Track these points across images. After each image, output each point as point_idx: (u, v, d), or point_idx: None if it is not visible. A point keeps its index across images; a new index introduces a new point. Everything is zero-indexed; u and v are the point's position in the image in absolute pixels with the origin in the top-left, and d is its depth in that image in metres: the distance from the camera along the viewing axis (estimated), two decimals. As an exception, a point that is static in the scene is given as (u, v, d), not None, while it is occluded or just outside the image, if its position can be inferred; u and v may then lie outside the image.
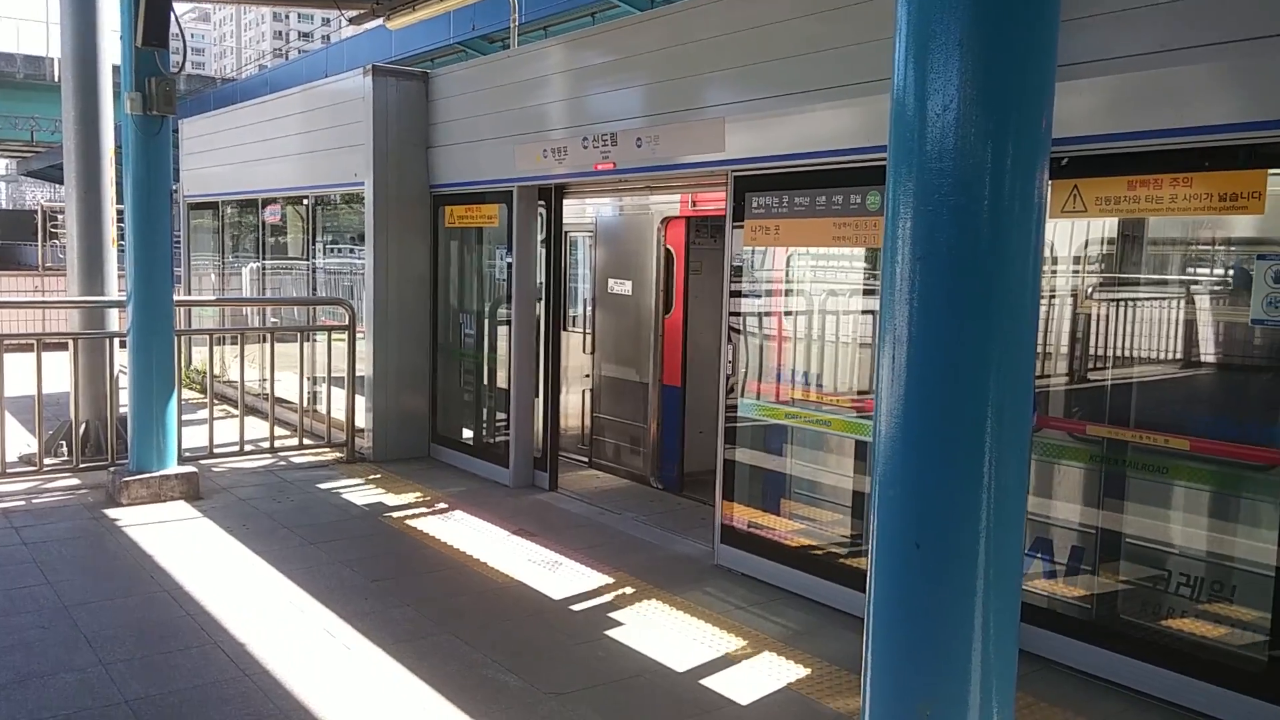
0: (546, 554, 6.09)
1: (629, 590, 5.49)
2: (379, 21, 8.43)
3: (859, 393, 5.51)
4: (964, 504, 2.22)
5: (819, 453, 5.79)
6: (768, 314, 5.92)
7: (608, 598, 5.38)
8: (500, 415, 8.26)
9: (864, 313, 5.57)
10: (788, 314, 5.86)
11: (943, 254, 2.15)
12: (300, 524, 6.65)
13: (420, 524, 6.70)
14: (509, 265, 7.80)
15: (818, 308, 5.75)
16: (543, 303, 7.72)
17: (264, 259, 11.19)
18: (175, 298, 7.97)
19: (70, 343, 8.13)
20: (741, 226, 5.72)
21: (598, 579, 5.65)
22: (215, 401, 8.97)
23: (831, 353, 5.73)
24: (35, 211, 32.22)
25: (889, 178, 2.27)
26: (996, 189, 2.14)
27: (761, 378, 5.90)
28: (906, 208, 2.20)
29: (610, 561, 5.94)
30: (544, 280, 7.72)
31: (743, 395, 5.86)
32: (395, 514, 6.94)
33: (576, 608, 5.24)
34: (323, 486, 7.69)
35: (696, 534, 6.43)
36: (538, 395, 7.76)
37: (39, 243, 25.90)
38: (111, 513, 6.85)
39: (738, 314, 5.86)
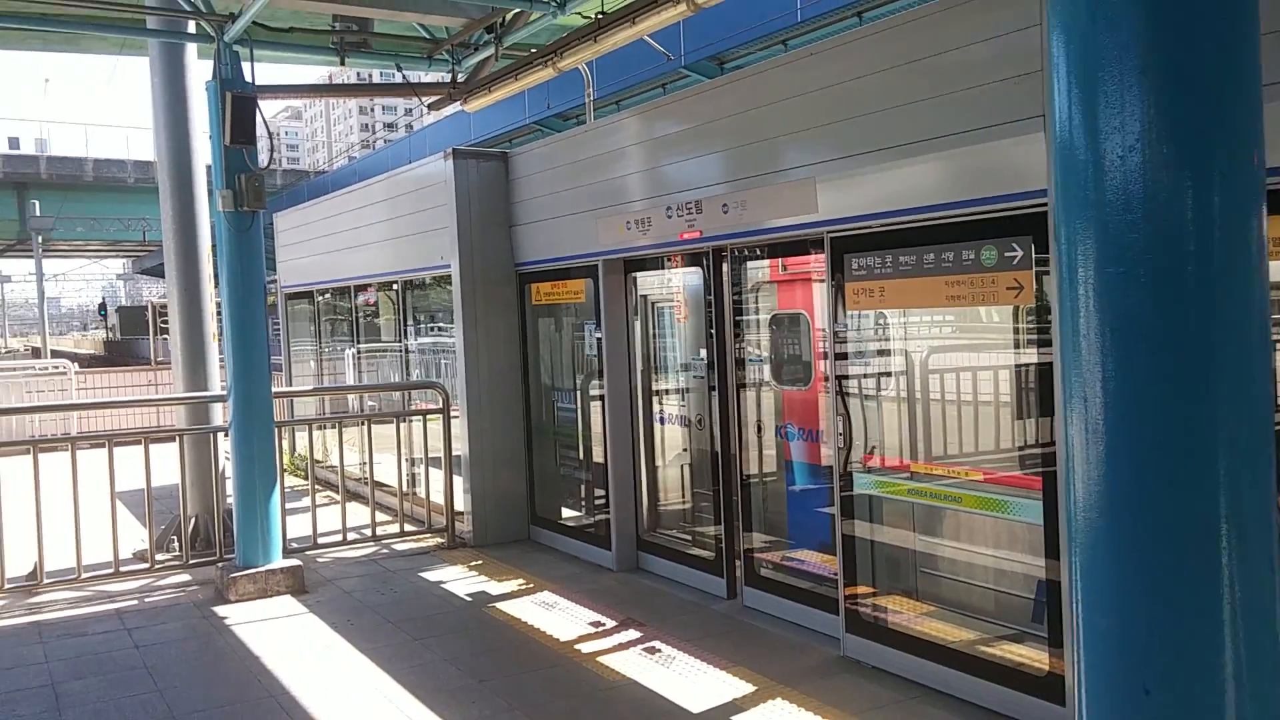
0: (658, 646, 5.79)
1: (751, 689, 5.14)
2: (457, 106, 8.49)
3: (990, 461, 5.13)
4: (1203, 636, 1.81)
5: (950, 529, 5.41)
6: (880, 377, 5.61)
7: (729, 697, 5.04)
8: (599, 494, 8.06)
9: (985, 368, 5.22)
10: (902, 375, 5.55)
11: (1144, 324, 1.80)
12: (405, 618, 6.50)
13: (524, 614, 6.49)
14: (598, 340, 7.65)
15: (934, 369, 5.42)
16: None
17: (359, 343, 11.32)
18: (274, 389, 8.05)
19: (177, 438, 8.26)
20: (841, 289, 5.45)
21: (716, 675, 5.32)
22: (317, 488, 8.99)
23: (953, 417, 5.38)
24: (147, 307, 33.80)
25: (1059, 234, 1.95)
26: (1204, 242, 1.79)
27: (878, 448, 5.56)
28: (1087, 269, 1.86)
29: (726, 654, 5.61)
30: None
31: (859, 468, 5.53)
32: (498, 604, 6.74)
33: (698, 709, 4.91)
34: (425, 575, 7.56)
35: (818, 620, 6.03)
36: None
37: (151, 337, 27.03)
38: (220, 610, 6.82)
39: (844, 378, 5.56)
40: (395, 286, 10.07)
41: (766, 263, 6.82)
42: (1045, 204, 4.33)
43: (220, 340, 8.78)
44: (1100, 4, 1.87)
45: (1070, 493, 1.96)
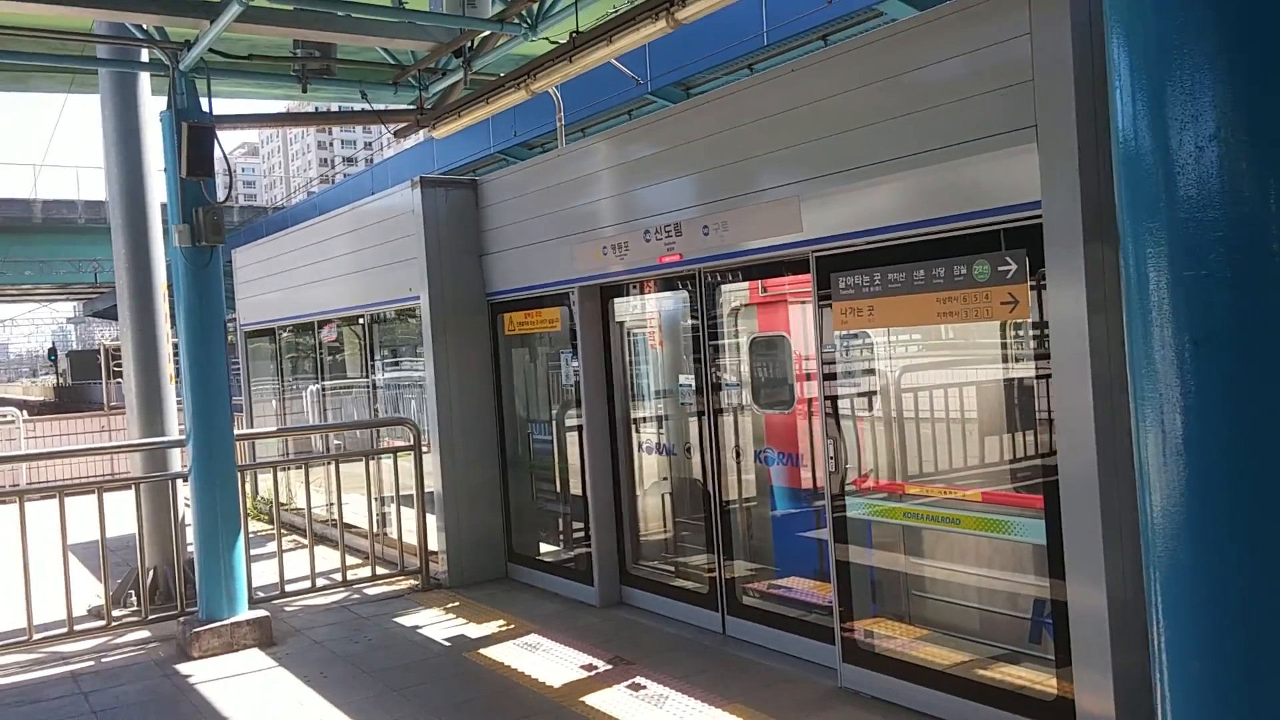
0: (649, 685, 5.54)
1: (748, 725, 4.92)
2: (421, 137, 8.28)
3: (988, 481, 4.97)
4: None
5: (947, 550, 5.24)
6: (871, 398, 5.44)
7: (726, 736, 4.82)
8: (576, 527, 7.81)
9: (982, 384, 5.07)
10: (893, 394, 5.39)
11: (1231, 333, 1.63)
12: (381, 667, 6.18)
13: (507, 658, 6.20)
14: (575, 369, 7.43)
15: (923, 386, 5.27)
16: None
17: (323, 380, 11.00)
18: (235, 431, 7.73)
19: (133, 486, 7.88)
20: (829, 307, 5.28)
21: (712, 715, 5.08)
22: (283, 532, 8.63)
23: (948, 437, 5.22)
24: (99, 350, 33.01)
25: (1125, 239, 1.78)
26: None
27: (873, 472, 5.39)
28: (1160, 274, 1.68)
29: (722, 691, 5.37)
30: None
31: (851, 492, 5.34)
32: (479, 648, 6.44)
33: (692, 750, 4.68)
34: (400, 620, 7.24)
35: (814, 650, 5.81)
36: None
37: (104, 381, 26.36)
38: (184, 668, 6.46)
39: (833, 397, 5.38)
40: (361, 320, 9.79)
41: (746, 285, 6.67)
42: (1039, 216, 4.21)
43: (177, 382, 8.45)
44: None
45: (1148, 521, 1.76)
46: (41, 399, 44.91)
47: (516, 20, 6.48)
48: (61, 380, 45.83)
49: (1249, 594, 1.62)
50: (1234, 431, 1.62)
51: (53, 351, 52.90)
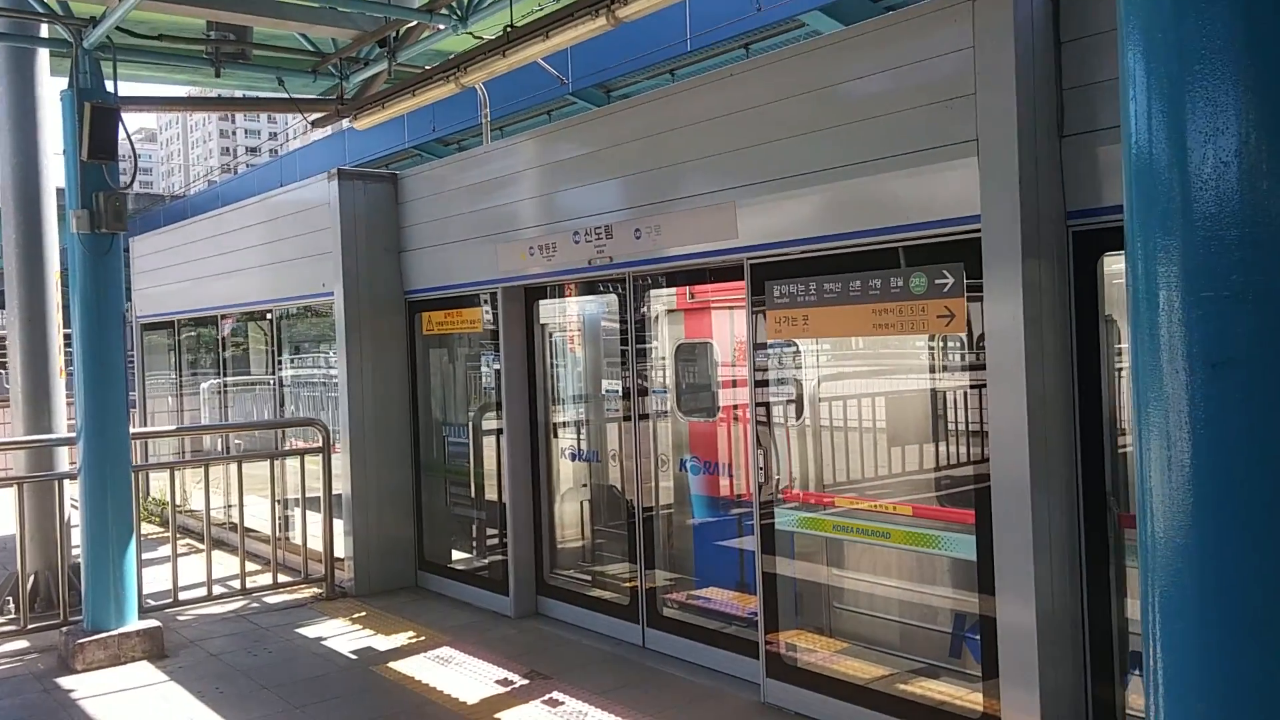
0: (567, 701, 5.37)
1: (671, 741, 4.80)
2: (339, 126, 7.98)
3: (919, 494, 4.96)
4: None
5: (872, 564, 5.22)
6: (800, 407, 5.39)
7: (649, 752, 4.68)
8: (491, 534, 7.59)
9: (912, 396, 5.06)
10: (823, 404, 5.35)
11: (1253, 357, 1.56)
12: (281, 682, 5.87)
13: (417, 672, 5.95)
14: (497, 371, 7.23)
15: (850, 395, 5.25)
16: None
17: (224, 376, 10.51)
18: (132, 430, 7.29)
19: (15, 486, 7.36)
20: (763, 315, 5.21)
21: (634, 730, 4.95)
22: (179, 535, 8.18)
23: (879, 448, 5.20)
24: (-21, 340, 31.15)
25: (1135, 256, 1.70)
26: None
27: (799, 482, 5.34)
28: (1173, 294, 1.61)
29: (642, 707, 5.24)
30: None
31: (780, 503, 5.28)
32: (387, 662, 6.17)
33: (615, 769, 4.53)
34: (303, 631, 6.90)
35: (736, 664, 5.71)
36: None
37: (-15, 372, 24.84)
38: (65, 682, 6.02)
39: (764, 405, 5.31)
40: (269, 316, 9.38)
41: (674, 290, 6.58)
42: (978, 230, 4.21)
43: (67, 375, 7.94)
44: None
45: (1149, 548, 1.69)
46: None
47: (446, 11, 6.26)
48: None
49: (1262, 624, 1.56)
50: (1251, 458, 1.56)
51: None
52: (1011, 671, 4.18)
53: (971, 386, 4.49)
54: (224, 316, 10.29)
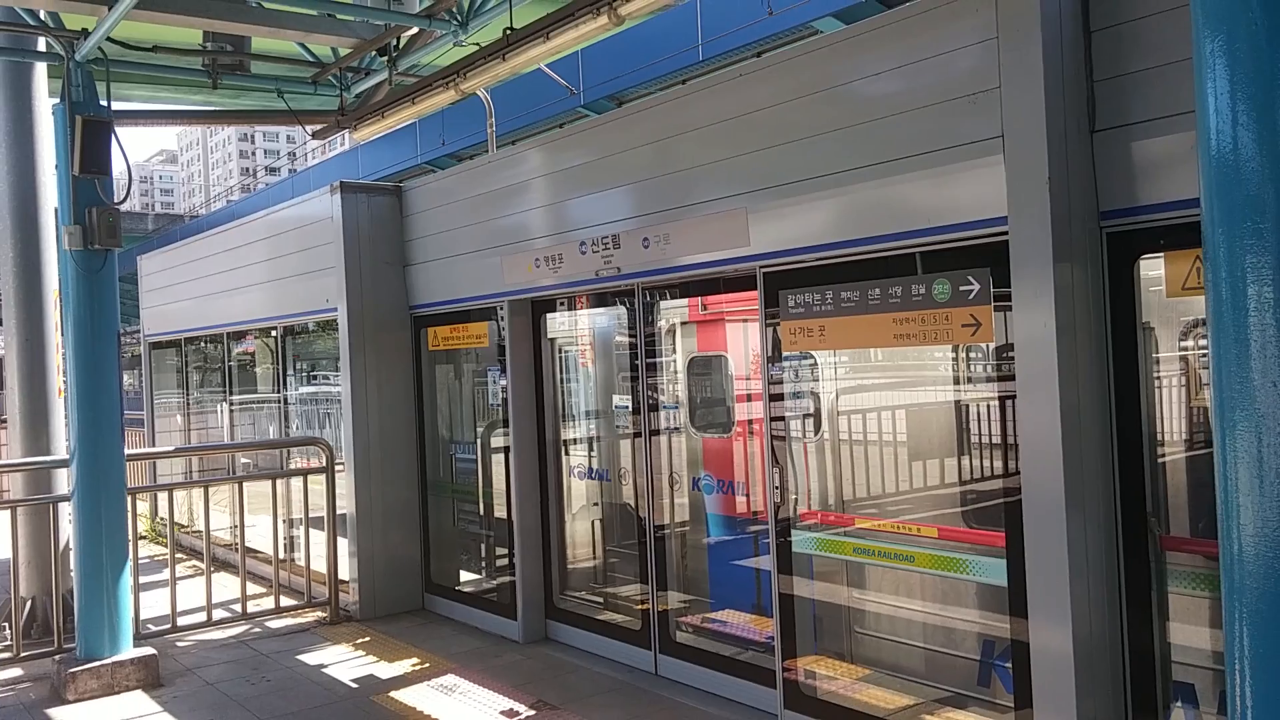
0: (575, 732, 5.12)
1: (683, 778, 4.53)
2: (345, 147, 7.82)
3: (945, 513, 4.70)
4: None
5: (895, 587, 4.95)
6: (819, 423, 5.14)
7: (660, 791, 4.42)
8: (500, 555, 7.35)
9: (937, 407, 4.80)
10: (842, 420, 5.10)
11: None
12: (279, 713, 5.63)
13: (420, 702, 5.70)
14: (503, 387, 7.00)
15: (881, 410, 4.99)
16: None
17: (231, 395, 10.34)
18: (129, 450, 7.10)
19: (10, 509, 7.19)
20: (777, 326, 4.97)
21: (644, 766, 4.69)
22: (180, 556, 7.99)
23: (901, 466, 4.94)
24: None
25: (1217, 260, 1.47)
26: None
27: (819, 500, 5.08)
28: (1261, 299, 1.38)
29: (655, 739, 4.98)
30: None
31: (797, 523, 5.02)
32: (390, 691, 5.93)
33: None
34: (304, 658, 6.67)
35: (753, 694, 5.42)
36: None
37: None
38: (55, 713, 5.82)
39: (780, 420, 5.06)
40: (274, 333, 9.21)
41: (685, 302, 6.34)
42: (1005, 233, 3.96)
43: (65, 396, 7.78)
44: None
45: (1234, 558, 1.45)
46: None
47: (445, 16, 6.07)
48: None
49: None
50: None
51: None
52: (1046, 701, 3.89)
53: (1000, 399, 4.22)
54: (230, 334, 10.13)
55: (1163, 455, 3.97)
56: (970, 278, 4.13)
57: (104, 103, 6.39)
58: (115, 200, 6.35)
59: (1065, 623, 3.80)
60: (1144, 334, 3.87)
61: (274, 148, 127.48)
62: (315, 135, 7.75)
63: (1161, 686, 3.88)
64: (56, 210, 7.17)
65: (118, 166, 6.32)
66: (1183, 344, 4.15)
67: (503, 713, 5.47)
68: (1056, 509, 3.78)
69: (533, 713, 5.45)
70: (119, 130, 6.33)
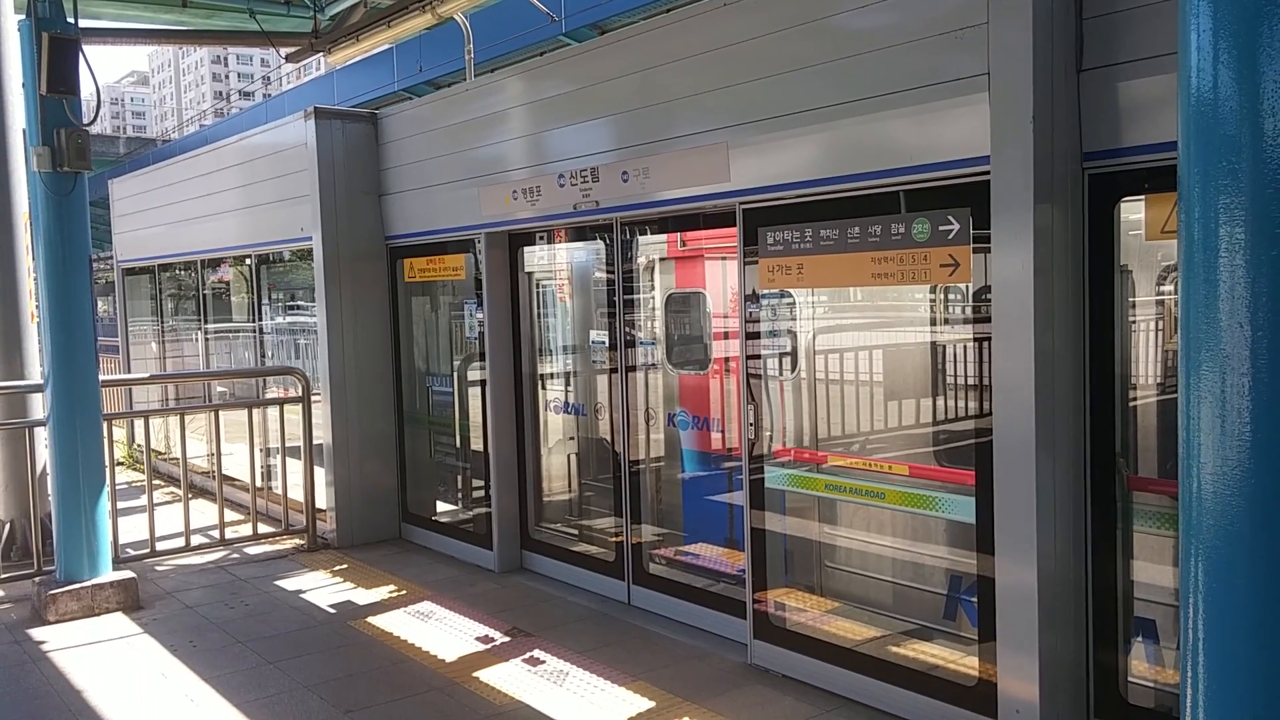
0: (549, 660, 5.21)
1: (652, 704, 4.63)
2: (319, 70, 7.64)
3: (916, 452, 4.76)
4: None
5: (865, 522, 5.03)
6: (793, 361, 5.16)
7: (629, 717, 4.51)
8: (476, 487, 7.40)
9: (913, 347, 4.83)
10: (817, 358, 5.12)
11: None
12: (257, 636, 5.70)
13: (397, 628, 5.79)
14: (480, 321, 6.98)
15: (857, 349, 5.02)
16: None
17: (206, 323, 10.25)
18: (104, 376, 7.05)
19: (-15, 434, 7.16)
20: (755, 264, 4.96)
21: (615, 693, 4.78)
22: (158, 483, 8.00)
23: (875, 404, 4.98)
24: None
25: (1191, 210, 1.48)
26: None
27: (793, 438, 5.13)
28: (1233, 253, 1.39)
29: (626, 667, 5.08)
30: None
31: (770, 461, 5.07)
32: (367, 617, 6.01)
33: (596, 733, 4.37)
34: (281, 584, 6.74)
35: (723, 624, 5.54)
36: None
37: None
38: (37, 633, 5.86)
39: (757, 358, 5.08)
40: (248, 261, 9.10)
41: (664, 238, 6.31)
42: (987, 173, 3.94)
43: (39, 321, 7.68)
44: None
45: (1192, 497, 1.49)
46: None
47: (425, -65, 5.92)
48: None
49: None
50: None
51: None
52: (1009, 635, 4.00)
53: (975, 340, 4.25)
54: (203, 261, 10.00)
55: (1134, 398, 4.02)
56: (950, 217, 4.13)
57: (71, 20, 6.21)
58: (84, 122, 6.20)
59: (1030, 559, 3.88)
60: (1122, 277, 3.90)
61: (248, 71, 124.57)
62: (289, 58, 7.58)
63: (1123, 622, 3.99)
64: (24, 130, 7.00)
65: (87, 87, 6.17)
66: (1160, 288, 4.18)
67: (478, 638, 5.57)
68: (1026, 449, 3.84)
69: (508, 639, 5.54)
70: (87, 49, 6.16)
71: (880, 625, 4.86)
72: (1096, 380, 3.88)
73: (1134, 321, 3.97)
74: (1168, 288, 4.10)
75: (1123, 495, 3.92)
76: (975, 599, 4.28)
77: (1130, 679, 4.00)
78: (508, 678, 4.99)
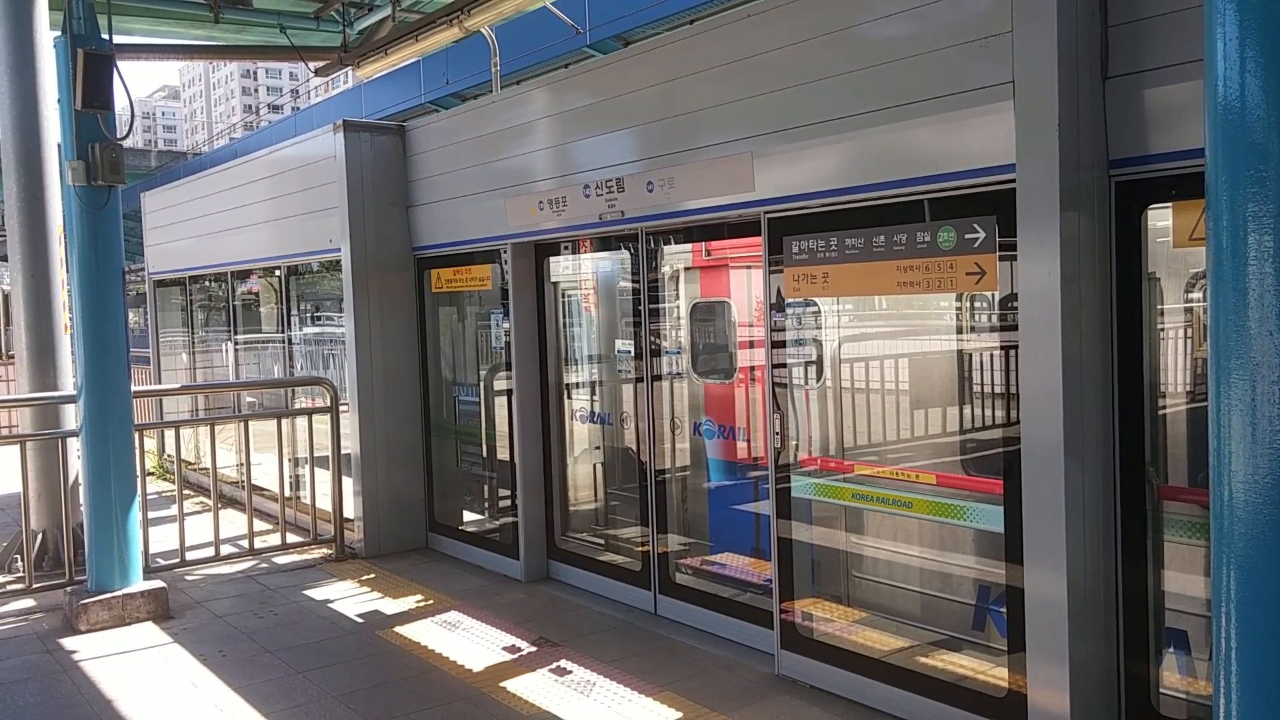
0: (576, 670, 5.21)
1: (680, 715, 4.62)
2: (348, 85, 7.73)
3: (944, 461, 4.73)
4: None
5: (893, 532, 5.00)
6: (820, 370, 5.15)
7: (657, 727, 4.52)
8: (503, 496, 7.42)
9: (939, 355, 4.80)
10: (843, 367, 5.10)
11: None
12: (286, 645, 5.75)
13: (424, 637, 5.81)
14: (507, 331, 7.01)
15: (883, 358, 5.00)
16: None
17: (235, 334, 10.37)
18: (136, 387, 7.14)
19: (19, 444, 7.25)
20: (780, 273, 4.96)
21: (643, 704, 4.78)
22: (188, 493, 8.08)
23: (900, 412, 4.96)
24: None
25: (1219, 207, 1.47)
26: None
27: (819, 447, 5.11)
28: (1265, 249, 1.38)
29: (653, 677, 5.07)
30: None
31: (796, 470, 5.06)
32: (394, 626, 6.04)
33: (621, 743, 4.37)
34: (310, 594, 6.79)
35: (750, 634, 5.52)
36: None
37: None
38: (68, 643, 5.94)
39: (782, 367, 5.07)
40: (278, 272, 9.20)
41: (689, 247, 6.32)
42: (1012, 181, 3.93)
43: (73, 333, 7.81)
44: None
45: (1224, 504, 1.47)
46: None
47: (451, -50, 5.98)
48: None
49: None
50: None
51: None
52: (1039, 645, 3.96)
53: (1002, 348, 4.22)
54: (234, 273, 10.12)
55: (1164, 406, 3.98)
56: (976, 225, 4.11)
57: (105, 36, 6.33)
58: (118, 135, 6.31)
59: (1060, 569, 3.84)
60: (1149, 285, 3.86)
61: (277, 84, 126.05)
62: (318, 72, 7.67)
63: (1154, 632, 3.94)
64: (60, 145, 7.13)
65: (120, 101, 6.28)
66: (1189, 295, 4.14)
67: (505, 648, 5.58)
68: (1055, 458, 3.81)
69: (534, 649, 5.55)
70: (121, 64, 6.28)
71: (908, 636, 4.82)
72: (1125, 388, 3.84)
73: (1162, 329, 3.94)
74: (1196, 295, 4.06)
75: (1153, 504, 3.88)
76: (1004, 609, 4.24)
77: (1162, 690, 3.95)
78: (535, 688, 5.00)
